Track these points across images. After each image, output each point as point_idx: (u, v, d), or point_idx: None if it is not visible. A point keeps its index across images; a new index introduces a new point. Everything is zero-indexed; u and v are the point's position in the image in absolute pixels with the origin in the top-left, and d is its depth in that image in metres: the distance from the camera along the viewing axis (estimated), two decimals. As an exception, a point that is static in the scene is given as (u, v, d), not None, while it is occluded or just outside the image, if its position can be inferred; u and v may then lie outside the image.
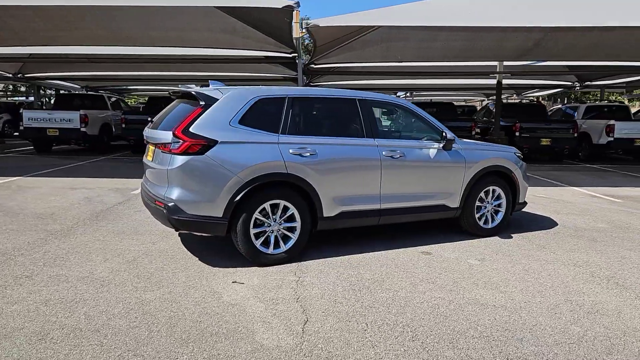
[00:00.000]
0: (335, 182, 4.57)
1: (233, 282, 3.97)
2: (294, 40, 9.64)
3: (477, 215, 5.50)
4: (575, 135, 13.91)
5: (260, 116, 4.40)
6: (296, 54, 13.05)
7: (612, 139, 13.88)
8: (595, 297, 3.80)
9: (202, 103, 4.25)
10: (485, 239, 5.48)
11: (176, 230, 4.43)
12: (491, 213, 5.63)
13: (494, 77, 13.71)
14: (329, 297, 3.68)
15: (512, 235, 5.66)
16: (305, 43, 25.53)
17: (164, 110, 5.02)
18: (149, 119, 5.23)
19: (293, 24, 7.70)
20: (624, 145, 14.04)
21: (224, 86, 4.83)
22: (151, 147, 4.68)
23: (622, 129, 13.88)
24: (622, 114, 15.87)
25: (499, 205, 5.68)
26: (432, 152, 5.13)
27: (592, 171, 12.28)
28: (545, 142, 13.77)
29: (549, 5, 10.26)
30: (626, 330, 3.22)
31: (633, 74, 16.10)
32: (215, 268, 4.28)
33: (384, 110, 5.11)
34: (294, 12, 7.67)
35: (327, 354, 2.82)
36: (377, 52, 12.45)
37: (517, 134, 13.71)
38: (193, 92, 4.39)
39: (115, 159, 13.00)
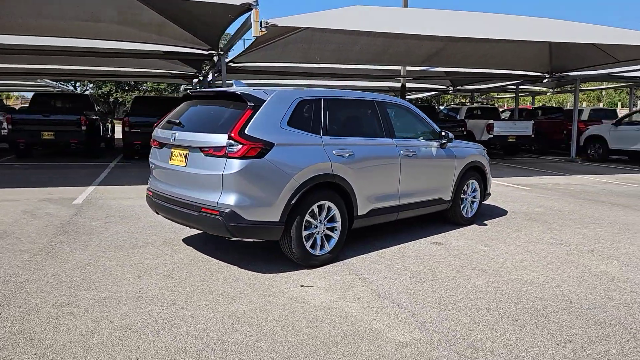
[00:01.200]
0: (368, 181, 4.73)
1: (301, 286, 3.91)
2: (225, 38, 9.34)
3: (461, 206, 6.10)
4: (465, 132, 15.76)
5: (303, 117, 4.37)
6: (214, 51, 12.63)
7: (492, 135, 16.04)
8: (599, 268, 4.56)
9: (250, 104, 4.06)
10: (468, 227, 6.10)
11: (230, 238, 4.17)
12: (469, 203, 6.28)
13: (398, 81, 14.86)
14: (405, 290, 3.86)
15: (485, 222, 6.39)
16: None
17: (178, 111, 4.65)
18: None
19: (252, 22, 7.52)
20: (501, 141, 16.32)
21: (245, 86, 4.66)
22: (178, 151, 4.31)
23: (499, 128, 16.13)
24: (494, 114, 18.40)
25: (474, 197, 6.37)
26: (434, 150, 5.57)
27: (484, 164, 14.05)
28: (441, 139, 15.39)
29: (452, 19, 11.52)
30: (644, 292, 3.98)
31: (499, 80, 18.67)
32: (266, 274, 4.14)
33: (392, 110, 5.38)
34: (254, 11, 7.51)
35: (464, 341, 3.03)
36: (297, 53, 12.63)
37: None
38: (239, 93, 4.16)
39: (1, 166, 11.17)
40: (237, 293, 3.72)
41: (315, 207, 4.30)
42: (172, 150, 4.39)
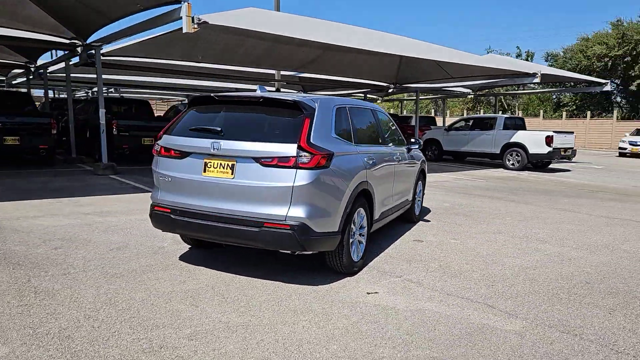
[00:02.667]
0: (381, 186, 4.93)
1: (367, 293, 3.95)
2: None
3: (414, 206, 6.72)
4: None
5: (341, 125, 4.35)
6: (77, 41, 11.03)
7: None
8: (551, 250, 5.58)
9: (306, 112, 3.90)
10: (418, 223, 6.75)
11: (295, 252, 3.90)
12: (416, 203, 6.94)
13: (273, 84, 15.04)
14: (456, 286, 4.20)
15: (426, 219, 7.14)
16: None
17: (196, 117, 4.17)
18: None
19: (184, 17, 6.87)
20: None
21: (267, 91, 4.43)
22: (219, 161, 3.88)
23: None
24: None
25: (419, 197, 7.06)
26: (406, 154, 6.04)
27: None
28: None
29: (330, 29, 12.31)
30: (598, 265, 5.08)
31: (351, 87, 20.33)
32: (320, 287, 4.04)
33: (382, 118, 5.63)
34: (186, 5, 6.89)
35: (554, 322, 3.51)
36: (180, 50, 11.84)
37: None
38: (292, 100, 3.92)
39: None
40: (321, 309, 3.58)
41: (356, 214, 4.35)
42: (208, 160, 3.92)
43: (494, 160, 16.62)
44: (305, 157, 3.69)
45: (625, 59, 34.09)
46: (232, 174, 3.84)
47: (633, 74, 34.07)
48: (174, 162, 4.09)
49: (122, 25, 9.22)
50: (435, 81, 17.57)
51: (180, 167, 4.05)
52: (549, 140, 15.06)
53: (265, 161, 3.73)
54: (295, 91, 20.47)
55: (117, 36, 9.31)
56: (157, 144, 4.23)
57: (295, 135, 3.76)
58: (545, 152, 15.20)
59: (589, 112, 33.83)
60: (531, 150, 15.37)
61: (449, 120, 25.40)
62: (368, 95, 22.99)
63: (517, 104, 42.34)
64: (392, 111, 35.05)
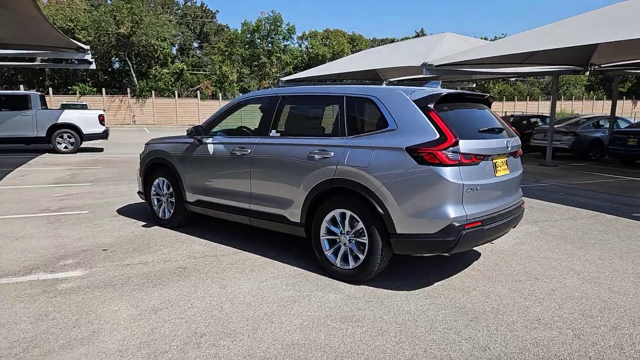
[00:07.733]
0: None
1: (491, 242, 4.58)
2: None
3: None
4: None
5: None
6: None
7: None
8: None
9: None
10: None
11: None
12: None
13: None
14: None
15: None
16: None
17: (455, 115, 3.74)
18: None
19: None
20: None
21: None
22: (502, 159, 3.85)
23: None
24: None
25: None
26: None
27: None
28: None
29: None
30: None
31: None
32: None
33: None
34: None
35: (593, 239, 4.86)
36: None
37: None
38: (488, 96, 4.21)
39: None
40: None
41: None
42: (495, 160, 3.77)
43: (38, 145, 13.85)
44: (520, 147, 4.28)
45: (131, 39, 35.30)
46: (507, 168, 3.96)
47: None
48: (475, 169, 3.59)
49: None
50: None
51: (479, 173, 3.63)
52: (101, 118, 14.45)
53: (518, 152, 4.16)
54: None
55: None
56: (455, 152, 3.43)
57: (507, 127, 4.13)
58: (101, 131, 14.53)
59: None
60: (85, 131, 14.24)
61: None
62: None
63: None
64: None
